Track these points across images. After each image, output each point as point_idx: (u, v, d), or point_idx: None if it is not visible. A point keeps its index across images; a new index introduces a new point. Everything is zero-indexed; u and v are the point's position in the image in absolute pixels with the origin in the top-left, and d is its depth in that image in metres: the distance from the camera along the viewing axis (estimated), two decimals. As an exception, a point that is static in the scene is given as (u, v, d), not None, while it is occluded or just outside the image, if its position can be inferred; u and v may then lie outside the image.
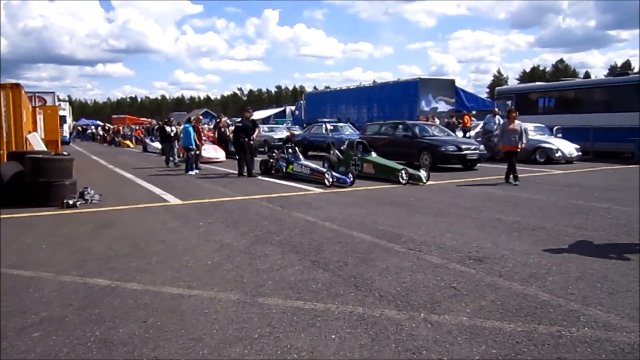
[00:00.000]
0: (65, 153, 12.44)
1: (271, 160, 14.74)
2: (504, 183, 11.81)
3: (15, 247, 6.20)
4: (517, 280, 4.65)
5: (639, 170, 13.70)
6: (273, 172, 14.41)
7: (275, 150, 15.58)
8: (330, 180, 11.66)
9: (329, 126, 21.50)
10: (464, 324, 3.67)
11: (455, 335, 3.49)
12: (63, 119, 34.11)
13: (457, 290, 4.42)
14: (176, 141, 18.82)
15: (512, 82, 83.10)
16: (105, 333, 3.60)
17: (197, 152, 16.50)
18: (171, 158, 18.62)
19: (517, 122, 12.20)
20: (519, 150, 12.21)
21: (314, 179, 12.33)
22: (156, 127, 37.91)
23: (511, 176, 11.90)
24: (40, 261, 5.55)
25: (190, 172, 15.45)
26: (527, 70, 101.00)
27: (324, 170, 12.46)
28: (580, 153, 17.99)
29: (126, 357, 3.21)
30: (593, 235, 6.47)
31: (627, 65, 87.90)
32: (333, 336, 3.50)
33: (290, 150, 14.27)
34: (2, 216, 8.13)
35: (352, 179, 11.81)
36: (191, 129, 16.51)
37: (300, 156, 14.15)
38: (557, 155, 17.30)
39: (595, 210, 8.21)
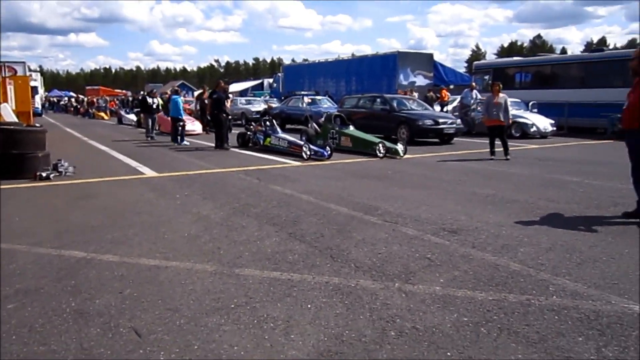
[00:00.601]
0: (37, 125, 12.18)
1: (248, 133, 14.66)
2: (487, 158, 11.81)
3: (-13, 219, 6.10)
4: (490, 251, 4.76)
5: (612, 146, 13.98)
6: (250, 144, 14.33)
7: (253, 123, 15.51)
8: (308, 153, 11.66)
9: (306, 99, 21.42)
10: (437, 294, 3.75)
11: (428, 304, 3.57)
12: (34, 90, 33.31)
13: (431, 260, 4.51)
14: (156, 114, 18.55)
15: (490, 57, 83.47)
16: (81, 304, 3.60)
17: (184, 124, 16.37)
18: (151, 130, 18.23)
19: (501, 95, 12.01)
20: (504, 124, 12.06)
21: (292, 152, 12.31)
22: (131, 98, 37.32)
23: (499, 150, 11.88)
24: (14, 233, 5.47)
25: (184, 143, 15.68)
26: (505, 45, 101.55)
27: (302, 143, 12.41)
28: (555, 128, 18.25)
29: (102, 327, 3.22)
30: (564, 207, 6.62)
31: (603, 41, 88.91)
32: (309, 305, 3.55)
33: (267, 123, 14.13)
34: (-27, 188, 7.98)
35: (329, 152, 11.84)
36: (179, 100, 16.36)
37: (278, 129, 14.05)
38: (532, 130, 17.52)
39: (567, 184, 8.38)
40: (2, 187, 8.23)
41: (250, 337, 3.09)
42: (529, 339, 3.05)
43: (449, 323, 3.27)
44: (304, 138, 14.16)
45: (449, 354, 2.89)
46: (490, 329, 3.19)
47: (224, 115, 14.48)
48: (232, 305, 3.56)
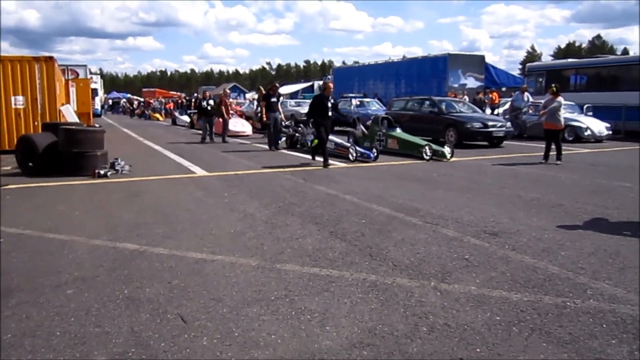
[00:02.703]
0: (97, 125, 12.82)
1: (297, 134, 14.92)
2: (537, 162, 11.59)
3: (50, 213, 6.54)
4: (529, 254, 4.76)
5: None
6: (299, 146, 14.58)
7: (302, 125, 15.69)
8: (354, 155, 11.78)
9: (355, 101, 21.53)
10: (472, 293, 3.82)
11: (462, 302, 3.64)
12: (95, 92, 34.79)
13: (469, 262, 4.56)
14: (214, 116, 18.16)
15: (546, 59, 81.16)
16: (132, 292, 3.86)
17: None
18: (208, 134, 17.66)
19: (557, 99, 11.63)
20: (559, 128, 11.80)
21: (338, 153, 12.42)
22: (185, 100, 38.31)
23: (552, 154, 11.61)
24: (73, 226, 5.87)
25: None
26: (562, 46, 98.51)
27: (348, 145, 12.55)
28: (610, 132, 17.66)
29: (151, 313, 3.46)
30: (612, 213, 6.49)
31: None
32: (345, 300, 3.69)
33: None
34: (37, 184, 8.53)
35: (375, 154, 11.94)
36: None
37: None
38: (586, 133, 17.04)
39: (617, 189, 8.18)
40: (62, 183, 8.75)
41: (288, 327, 3.25)
42: (560, 339, 3.09)
43: (481, 321, 3.34)
44: (351, 140, 14.29)
45: (478, 350, 2.97)
46: (522, 328, 3.24)
47: (276, 117, 14.85)
48: (272, 298, 3.74)
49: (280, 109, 15.54)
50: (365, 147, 12.85)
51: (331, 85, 12.26)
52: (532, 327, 3.26)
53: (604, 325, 3.27)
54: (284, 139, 15.37)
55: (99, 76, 57.14)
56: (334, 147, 12.72)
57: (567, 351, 2.95)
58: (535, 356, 2.90)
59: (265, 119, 15.01)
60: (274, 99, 15.10)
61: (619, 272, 4.29)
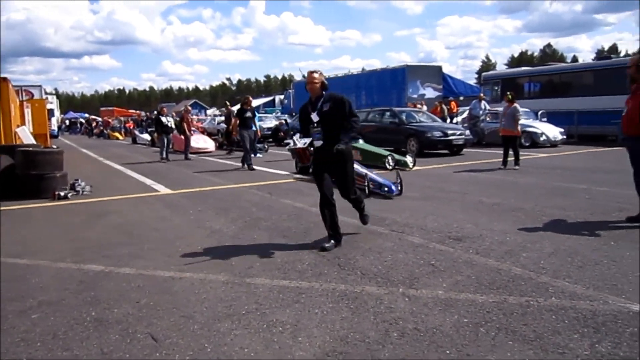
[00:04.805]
0: (54, 146, 12.55)
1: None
2: (496, 168, 11.95)
3: (11, 238, 6.36)
4: (493, 257, 4.90)
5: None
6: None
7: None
8: (369, 186, 8.69)
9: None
10: (439, 297, 3.90)
11: (430, 307, 3.72)
12: (51, 113, 33.95)
13: (435, 267, 4.66)
14: (171, 134, 18.19)
15: (501, 68, 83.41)
16: (100, 313, 3.80)
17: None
18: (165, 150, 17.47)
19: (513, 105, 12.11)
20: (517, 134, 12.16)
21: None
22: (145, 118, 37.82)
23: (510, 160, 12.00)
24: (36, 250, 5.73)
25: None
26: (516, 55, 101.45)
27: (364, 172, 8.99)
28: (564, 136, 18.30)
29: (121, 334, 3.42)
30: (570, 214, 6.73)
31: (614, 48, 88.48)
32: (316, 310, 3.72)
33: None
34: (-5, 208, 8.29)
35: (399, 189, 8.64)
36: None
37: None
38: (541, 139, 17.60)
39: (574, 192, 8.48)
40: (22, 207, 8.52)
41: (260, 340, 3.27)
42: (525, 337, 3.19)
43: (450, 324, 3.42)
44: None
45: (448, 352, 3.04)
46: (489, 328, 3.34)
47: (250, 134, 13.99)
48: (243, 312, 3.74)
49: (256, 124, 14.80)
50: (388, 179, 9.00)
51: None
52: (498, 327, 3.36)
53: (566, 321, 3.40)
54: (259, 155, 14.79)
55: (54, 96, 55.88)
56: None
57: (532, 348, 3.05)
58: (503, 355, 2.99)
59: (234, 134, 14.42)
60: (248, 114, 14.12)
61: (578, 270, 4.45)
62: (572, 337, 3.17)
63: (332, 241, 5.40)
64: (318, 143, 5.33)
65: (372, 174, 8.99)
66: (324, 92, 5.41)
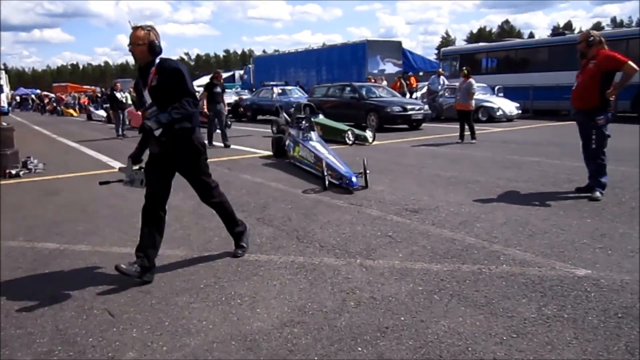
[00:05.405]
0: (4, 123, 12.08)
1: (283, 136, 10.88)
2: (454, 142, 12.16)
3: (-42, 217, 6.15)
4: (448, 228, 5.02)
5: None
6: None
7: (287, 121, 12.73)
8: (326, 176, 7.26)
9: (277, 90, 21.52)
10: (395, 267, 3.99)
11: (387, 276, 3.81)
12: (0, 88, 32.66)
13: (392, 238, 4.75)
14: (127, 110, 18.01)
15: (460, 43, 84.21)
16: (55, 291, 3.74)
17: None
18: (121, 126, 17.19)
19: (468, 80, 12.34)
20: (470, 109, 12.36)
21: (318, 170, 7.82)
22: (100, 94, 36.72)
23: (467, 134, 12.23)
24: (-15, 229, 5.55)
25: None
26: (475, 31, 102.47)
27: (322, 156, 7.94)
28: (520, 111, 18.73)
29: (77, 311, 3.38)
30: (522, 186, 6.94)
31: (568, 25, 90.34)
32: (274, 282, 3.76)
33: (304, 121, 9.62)
34: (-58, 187, 7.97)
35: (358, 182, 7.14)
36: None
37: (313, 134, 9.24)
38: (498, 113, 17.97)
39: (527, 164, 8.73)
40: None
41: (218, 313, 3.28)
42: (477, 303, 3.31)
43: (405, 292, 3.51)
44: (274, 129, 14.23)
45: (402, 318, 3.13)
46: (443, 295, 3.44)
47: (220, 109, 13.20)
48: (202, 286, 3.75)
49: (224, 101, 13.91)
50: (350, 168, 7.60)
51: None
52: (451, 293, 3.47)
53: (515, 287, 3.54)
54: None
55: (3, 72, 53.39)
56: (314, 162, 8.21)
57: (483, 312, 3.17)
58: (455, 319, 3.09)
59: (203, 109, 13.74)
60: (217, 89, 13.26)
61: (529, 239, 4.62)
62: (520, 302, 3.30)
63: (137, 266, 3.82)
64: (158, 132, 3.86)
65: (331, 159, 7.75)
66: (156, 60, 3.92)
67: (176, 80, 3.81)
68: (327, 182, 7.08)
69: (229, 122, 18.39)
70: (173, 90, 3.79)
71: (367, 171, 7.12)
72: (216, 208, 4.46)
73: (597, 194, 6.05)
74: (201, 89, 15.16)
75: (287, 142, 10.00)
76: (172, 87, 3.80)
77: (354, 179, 7.00)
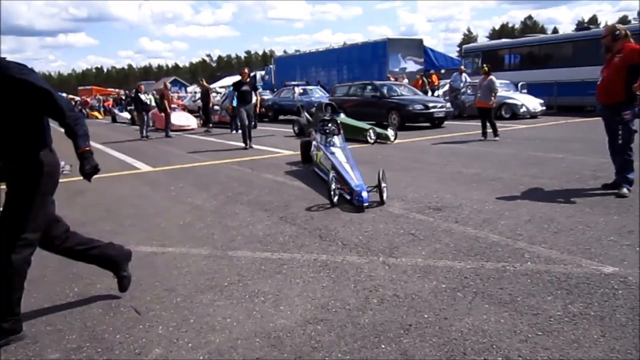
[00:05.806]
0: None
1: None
2: (477, 140, 12.04)
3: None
4: (471, 225, 4.98)
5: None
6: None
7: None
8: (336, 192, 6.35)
9: (298, 89, 21.58)
10: (418, 265, 3.98)
11: (409, 274, 3.80)
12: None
13: (415, 236, 4.73)
14: (151, 111, 18.40)
15: (482, 40, 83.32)
16: (83, 289, 3.82)
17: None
18: (145, 128, 17.28)
19: (489, 78, 12.16)
20: (490, 106, 12.15)
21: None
22: (124, 97, 37.22)
23: (490, 131, 12.08)
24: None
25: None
26: (497, 27, 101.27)
27: (335, 162, 7.11)
28: (544, 108, 18.47)
29: (104, 308, 3.45)
30: (546, 183, 6.84)
31: (593, 19, 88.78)
32: (297, 280, 3.78)
33: (329, 124, 8.83)
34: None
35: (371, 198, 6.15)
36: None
37: (336, 139, 8.28)
38: (521, 110, 17.75)
39: (551, 161, 8.61)
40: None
41: (242, 310, 3.31)
42: (501, 300, 3.28)
43: (428, 290, 3.50)
44: (296, 129, 14.29)
45: (426, 316, 3.12)
46: (466, 293, 3.42)
47: (248, 110, 12.65)
48: (225, 284, 3.78)
49: (258, 98, 13.43)
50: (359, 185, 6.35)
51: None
52: (475, 291, 3.44)
53: (540, 285, 3.50)
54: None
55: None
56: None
57: (507, 310, 3.14)
58: (479, 317, 3.08)
59: (230, 110, 13.21)
60: (245, 87, 12.65)
61: (554, 236, 4.56)
62: (545, 299, 3.27)
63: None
64: None
65: (346, 168, 6.79)
66: None
67: (34, 92, 3.08)
68: (335, 198, 6.14)
69: (255, 123, 18.42)
70: (28, 104, 3.03)
71: (384, 184, 6.16)
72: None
73: (625, 190, 5.94)
74: (223, 90, 15.29)
75: (312, 148, 9.27)
76: (27, 101, 3.03)
77: (364, 194, 5.96)
